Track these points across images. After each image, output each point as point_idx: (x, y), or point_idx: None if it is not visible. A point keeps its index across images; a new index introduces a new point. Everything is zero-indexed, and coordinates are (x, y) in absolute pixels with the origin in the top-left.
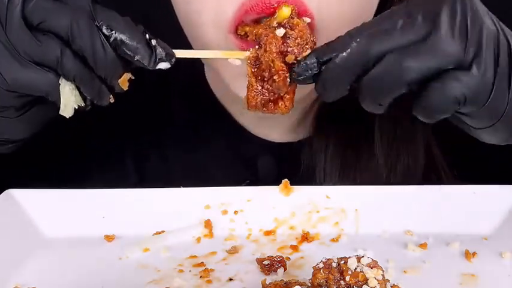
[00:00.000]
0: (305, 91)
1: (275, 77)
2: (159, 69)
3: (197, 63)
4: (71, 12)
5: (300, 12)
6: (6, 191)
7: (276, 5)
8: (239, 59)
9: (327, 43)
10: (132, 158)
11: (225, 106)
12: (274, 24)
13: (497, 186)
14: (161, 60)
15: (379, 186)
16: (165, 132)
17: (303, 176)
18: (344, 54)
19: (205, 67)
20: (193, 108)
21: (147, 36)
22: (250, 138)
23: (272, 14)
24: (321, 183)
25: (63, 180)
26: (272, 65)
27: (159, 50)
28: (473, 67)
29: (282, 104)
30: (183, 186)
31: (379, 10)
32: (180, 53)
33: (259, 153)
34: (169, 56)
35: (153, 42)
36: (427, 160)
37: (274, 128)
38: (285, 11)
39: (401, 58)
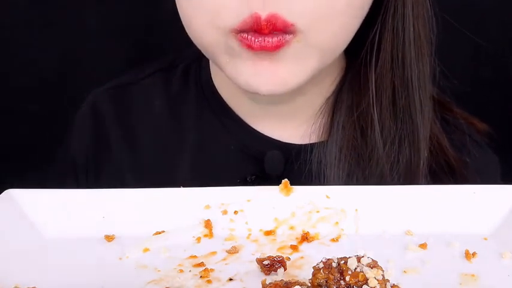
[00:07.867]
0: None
1: None
2: None
3: (205, 68)
4: None
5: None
6: (6, 191)
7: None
8: None
9: None
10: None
11: (231, 107)
12: None
13: (497, 186)
14: None
15: (379, 186)
16: (172, 131)
17: (309, 177)
18: None
19: (211, 71)
20: (200, 111)
21: None
22: (258, 135)
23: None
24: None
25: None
26: None
27: None
28: None
29: None
30: (183, 186)
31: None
32: None
33: (267, 149)
34: None
35: None
36: (435, 151)
37: (282, 126)
38: None
39: None
